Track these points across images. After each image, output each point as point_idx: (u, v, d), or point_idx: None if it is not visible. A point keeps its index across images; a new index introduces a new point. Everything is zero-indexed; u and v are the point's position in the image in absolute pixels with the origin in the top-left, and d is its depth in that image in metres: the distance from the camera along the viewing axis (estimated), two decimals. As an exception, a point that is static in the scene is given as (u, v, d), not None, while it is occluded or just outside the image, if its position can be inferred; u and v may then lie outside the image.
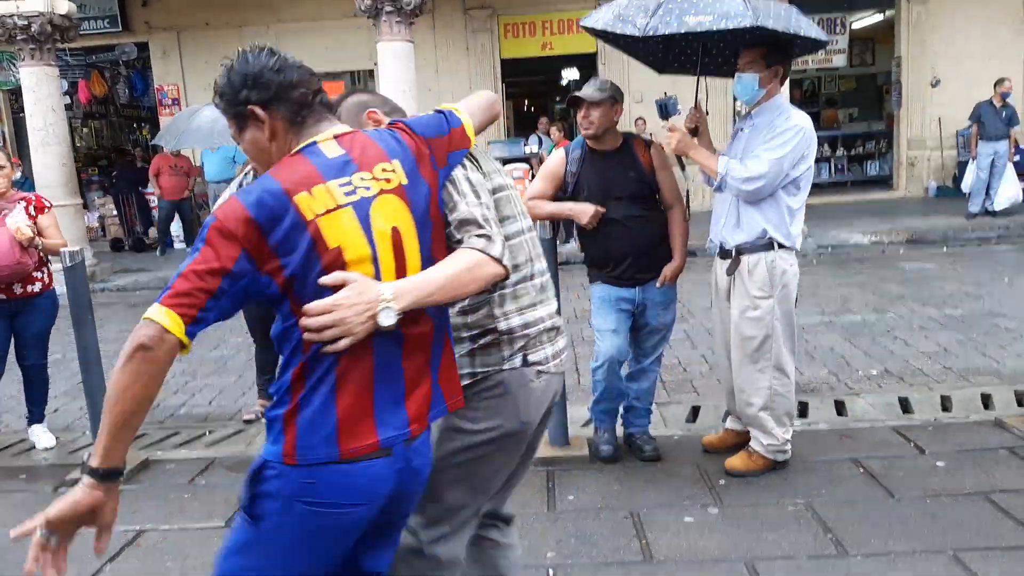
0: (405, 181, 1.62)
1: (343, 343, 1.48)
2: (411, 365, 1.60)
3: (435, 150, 1.72)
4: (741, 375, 3.41)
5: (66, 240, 4.38)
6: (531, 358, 1.95)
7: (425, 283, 1.55)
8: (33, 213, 4.21)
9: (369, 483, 1.55)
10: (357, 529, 1.62)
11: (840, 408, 4.23)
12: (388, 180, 1.60)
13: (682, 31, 3.17)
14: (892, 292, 7.05)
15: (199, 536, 3.22)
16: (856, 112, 15.92)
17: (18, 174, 4.25)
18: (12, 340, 4.33)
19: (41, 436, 4.42)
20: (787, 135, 3.23)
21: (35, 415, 4.48)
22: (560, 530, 3.08)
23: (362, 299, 1.49)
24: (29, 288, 4.21)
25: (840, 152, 14.71)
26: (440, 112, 1.79)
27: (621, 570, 2.77)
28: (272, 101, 1.60)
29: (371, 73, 13.18)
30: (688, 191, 3.94)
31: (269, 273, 1.49)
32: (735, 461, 3.48)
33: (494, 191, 1.91)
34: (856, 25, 14.00)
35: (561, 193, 3.63)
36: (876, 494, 3.20)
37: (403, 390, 1.59)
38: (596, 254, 3.59)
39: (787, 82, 10.06)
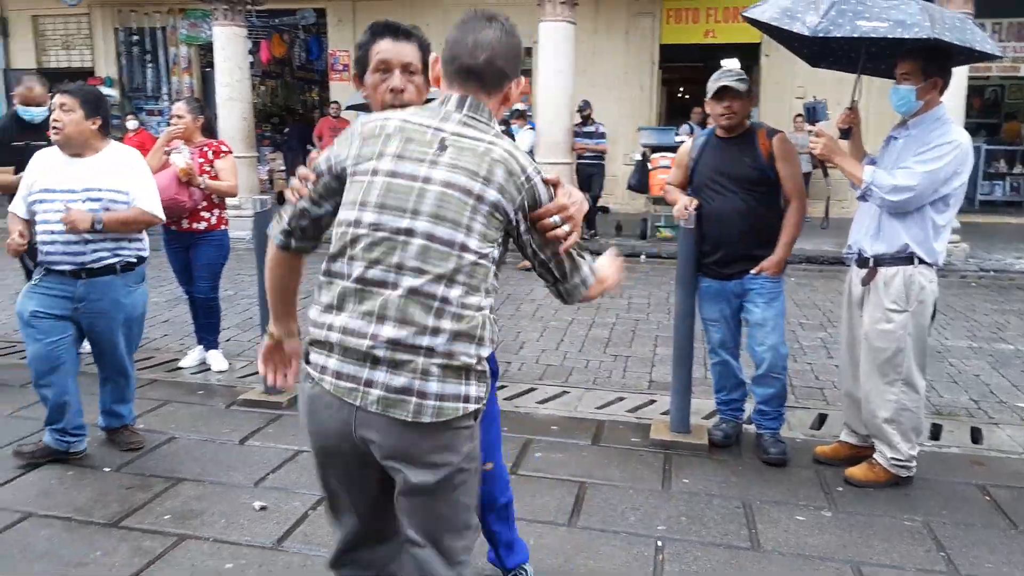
0: None
1: None
2: None
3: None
4: (869, 385, 3.41)
5: (236, 184, 4.85)
6: (311, 358, 1.72)
7: None
8: (211, 156, 4.75)
9: None
10: None
11: (976, 435, 4.12)
12: None
13: (855, 35, 3.12)
14: (1054, 324, 6.63)
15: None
16: (1041, 126, 14.67)
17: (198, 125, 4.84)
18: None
19: (216, 360, 5.02)
20: (943, 149, 3.16)
21: (208, 342, 5.07)
22: (672, 508, 3.24)
23: None
24: (194, 225, 4.76)
25: (1018, 169, 13.66)
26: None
27: (728, 552, 2.91)
28: None
29: (529, 51, 13.46)
30: (828, 197, 3.94)
31: None
32: (856, 471, 3.49)
33: (352, 174, 1.69)
34: (1050, 32, 12.90)
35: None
36: (999, 522, 3.16)
37: None
38: (700, 244, 3.71)
39: (964, 90, 9.56)
